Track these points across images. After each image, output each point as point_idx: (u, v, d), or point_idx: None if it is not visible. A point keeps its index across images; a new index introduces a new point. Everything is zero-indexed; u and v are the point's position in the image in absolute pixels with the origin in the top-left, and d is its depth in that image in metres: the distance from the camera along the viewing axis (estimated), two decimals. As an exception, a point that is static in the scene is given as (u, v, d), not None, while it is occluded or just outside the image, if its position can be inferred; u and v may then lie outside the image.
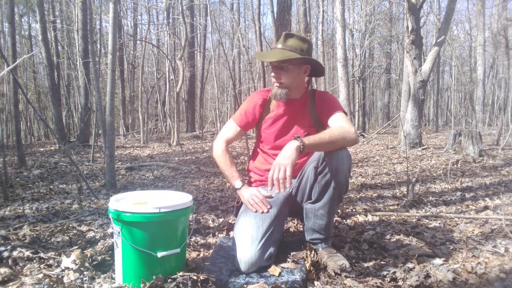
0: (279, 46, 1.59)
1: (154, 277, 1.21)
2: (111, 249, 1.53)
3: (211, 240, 1.84)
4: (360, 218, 2.24)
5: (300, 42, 1.57)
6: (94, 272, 1.36)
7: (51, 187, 3.30)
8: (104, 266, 1.44)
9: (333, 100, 1.65)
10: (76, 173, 4.17)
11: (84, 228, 1.98)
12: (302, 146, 1.32)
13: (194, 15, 14.97)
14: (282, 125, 1.65)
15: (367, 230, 1.97)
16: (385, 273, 1.41)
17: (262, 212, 1.46)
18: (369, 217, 2.24)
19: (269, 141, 1.66)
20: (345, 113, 1.60)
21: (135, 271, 1.24)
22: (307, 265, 1.40)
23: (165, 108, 11.39)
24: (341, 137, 1.40)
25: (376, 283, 1.30)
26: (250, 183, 1.75)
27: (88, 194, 3.01)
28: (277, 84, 1.58)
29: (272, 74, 1.57)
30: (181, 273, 1.24)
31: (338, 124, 1.50)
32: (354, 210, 2.46)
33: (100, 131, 4.00)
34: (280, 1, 4.24)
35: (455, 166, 4.40)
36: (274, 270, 1.35)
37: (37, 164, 4.66)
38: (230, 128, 1.68)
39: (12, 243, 1.63)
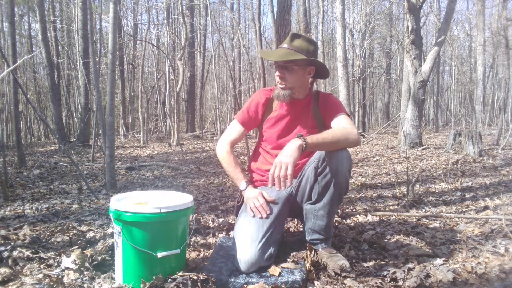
0: (285, 46, 1.57)
1: (154, 277, 1.21)
2: (111, 249, 1.53)
3: (211, 240, 1.84)
4: (360, 218, 2.24)
5: (307, 43, 1.55)
6: (94, 272, 1.36)
7: (51, 187, 3.30)
8: (104, 266, 1.44)
9: (337, 102, 1.64)
10: (76, 173, 4.17)
11: (84, 228, 1.98)
12: (304, 145, 1.31)
13: (194, 15, 14.95)
14: (285, 125, 1.65)
15: (367, 230, 1.97)
16: (385, 273, 1.41)
17: (261, 218, 1.45)
18: (369, 217, 2.24)
19: (272, 141, 1.66)
20: (348, 115, 1.60)
21: (135, 271, 1.24)
22: (307, 265, 1.40)
23: (165, 108, 11.39)
24: (344, 137, 1.40)
25: (376, 283, 1.30)
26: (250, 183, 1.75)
27: (88, 194, 3.01)
28: (281, 86, 1.56)
29: (277, 73, 1.55)
30: (181, 273, 1.24)
31: (341, 125, 1.50)
32: (354, 210, 2.46)
33: (100, 131, 4.00)
34: (280, 1, 4.24)
35: (455, 166, 4.40)
36: (274, 270, 1.35)
37: (37, 164, 4.66)
38: (233, 128, 1.69)
39: (12, 243, 1.63)
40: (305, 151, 1.34)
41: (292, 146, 1.30)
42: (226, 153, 1.62)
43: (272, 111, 1.68)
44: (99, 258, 1.45)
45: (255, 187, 1.66)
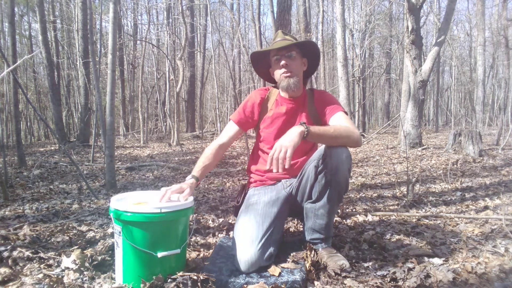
0: (279, 39, 1.64)
1: (154, 277, 1.21)
2: (111, 249, 1.53)
3: (211, 240, 1.84)
4: (360, 218, 2.23)
5: (294, 36, 1.68)
6: (94, 272, 1.36)
7: (51, 187, 3.30)
8: (104, 266, 1.44)
9: (333, 99, 1.65)
10: (76, 173, 4.17)
11: (84, 228, 1.98)
12: (306, 132, 1.32)
13: (194, 15, 14.95)
14: (281, 124, 1.65)
15: (367, 230, 1.97)
16: (385, 273, 1.41)
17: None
18: (369, 217, 2.24)
19: (269, 141, 1.66)
20: (346, 112, 1.61)
21: (135, 271, 1.24)
22: (307, 265, 1.40)
23: (165, 108, 11.37)
24: (346, 134, 1.42)
25: (376, 283, 1.30)
26: (250, 184, 1.75)
27: (88, 194, 3.01)
28: (287, 74, 1.58)
29: (282, 63, 1.57)
30: (181, 273, 1.24)
31: (343, 124, 1.51)
32: (354, 210, 2.46)
33: (100, 131, 4.00)
34: (280, 1, 4.25)
35: (455, 166, 4.40)
36: (274, 270, 1.35)
37: (37, 164, 4.66)
38: (228, 129, 1.70)
39: (12, 243, 1.63)
40: (306, 139, 1.34)
41: (294, 132, 1.31)
42: (209, 149, 1.63)
43: (268, 111, 1.68)
44: (99, 258, 1.45)
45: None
